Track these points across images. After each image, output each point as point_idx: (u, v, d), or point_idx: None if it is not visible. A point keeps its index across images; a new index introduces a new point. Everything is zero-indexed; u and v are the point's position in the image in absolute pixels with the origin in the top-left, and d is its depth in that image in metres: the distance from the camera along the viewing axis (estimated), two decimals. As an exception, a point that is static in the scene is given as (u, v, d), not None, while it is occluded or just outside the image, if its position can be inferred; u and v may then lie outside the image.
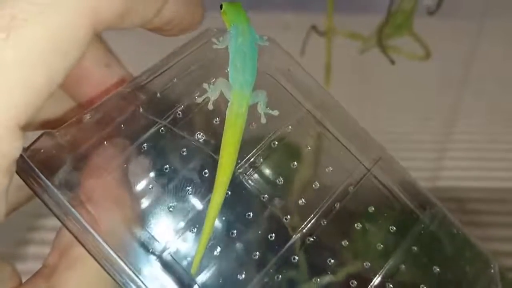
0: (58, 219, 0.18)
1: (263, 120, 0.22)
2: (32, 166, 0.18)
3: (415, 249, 0.22)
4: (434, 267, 0.22)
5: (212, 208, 0.19)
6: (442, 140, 0.52)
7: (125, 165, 0.19)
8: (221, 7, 0.23)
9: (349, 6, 0.51)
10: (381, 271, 0.21)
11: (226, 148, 0.20)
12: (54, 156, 0.19)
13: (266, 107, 0.22)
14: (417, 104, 0.53)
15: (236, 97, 0.21)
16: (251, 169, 0.21)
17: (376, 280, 0.21)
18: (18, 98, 0.15)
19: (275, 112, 0.22)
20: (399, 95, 0.52)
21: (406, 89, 0.52)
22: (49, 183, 0.18)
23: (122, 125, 0.20)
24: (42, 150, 0.19)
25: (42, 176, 0.18)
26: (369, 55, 0.45)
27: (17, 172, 0.17)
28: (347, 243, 0.21)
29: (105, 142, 0.19)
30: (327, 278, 0.21)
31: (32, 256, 0.46)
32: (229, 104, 0.21)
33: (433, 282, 0.21)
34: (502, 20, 0.54)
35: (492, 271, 0.23)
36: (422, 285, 0.21)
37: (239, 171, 0.20)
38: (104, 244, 0.18)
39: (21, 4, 0.15)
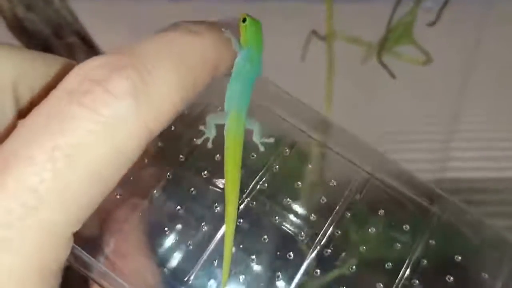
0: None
1: (261, 148, 0.22)
2: (76, 247, 0.19)
3: (433, 242, 0.22)
4: (456, 256, 0.22)
5: (228, 237, 0.20)
6: (446, 139, 0.52)
7: (140, 214, 0.21)
8: (243, 20, 0.22)
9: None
10: (403, 268, 0.21)
11: (229, 171, 0.21)
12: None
13: (261, 136, 0.22)
14: (420, 105, 0.53)
15: (232, 120, 0.21)
16: (258, 195, 0.21)
17: (401, 278, 0.21)
18: (74, 215, 0.16)
19: (271, 139, 0.23)
20: (402, 98, 0.52)
21: (409, 92, 0.52)
22: (92, 258, 0.19)
23: (131, 178, 0.21)
24: None
25: (86, 254, 0.19)
26: (372, 59, 0.44)
27: None
28: (364, 248, 0.22)
29: (118, 196, 0.21)
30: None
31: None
32: (225, 128, 0.21)
33: (458, 271, 0.21)
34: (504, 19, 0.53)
35: None
36: (448, 276, 0.21)
37: (247, 199, 0.21)
38: None
39: (79, 132, 0.16)
